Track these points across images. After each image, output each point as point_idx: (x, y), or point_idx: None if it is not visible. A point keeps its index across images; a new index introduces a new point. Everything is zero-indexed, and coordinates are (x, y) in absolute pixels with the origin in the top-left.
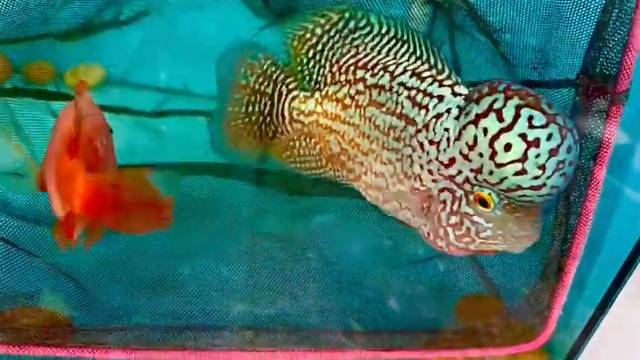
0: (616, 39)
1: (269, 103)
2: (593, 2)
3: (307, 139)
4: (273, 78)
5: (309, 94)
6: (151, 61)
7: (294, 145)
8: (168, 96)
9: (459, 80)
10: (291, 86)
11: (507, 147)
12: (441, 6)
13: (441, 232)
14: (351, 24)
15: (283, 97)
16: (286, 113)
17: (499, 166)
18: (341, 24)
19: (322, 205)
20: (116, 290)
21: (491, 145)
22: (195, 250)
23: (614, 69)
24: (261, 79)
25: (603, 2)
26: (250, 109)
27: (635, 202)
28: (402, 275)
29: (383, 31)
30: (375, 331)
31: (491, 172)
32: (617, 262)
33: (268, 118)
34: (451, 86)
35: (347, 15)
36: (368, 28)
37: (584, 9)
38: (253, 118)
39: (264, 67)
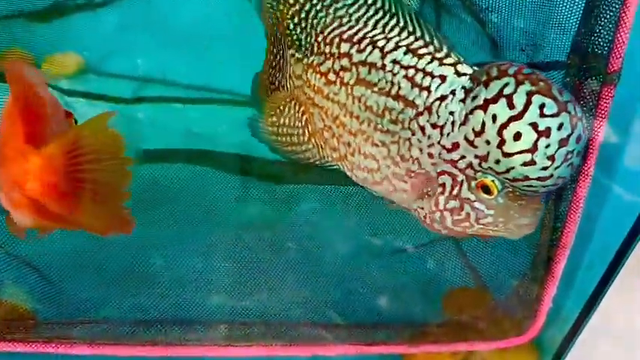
0: (608, 16)
1: (282, 52)
2: None
3: (296, 106)
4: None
5: (300, 56)
6: (128, 46)
7: (284, 107)
8: (145, 83)
9: (462, 59)
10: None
11: (517, 136)
12: None
13: (438, 215)
14: None
15: (287, 51)
16: (287, 68)
17: (507, 155)
18: None
19: (303, 194)
20: (82, 282)
21: (499, 133)
22: (167, 240)
23: (606, 48)
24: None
25: None
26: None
27: (627, 190)
28: (386, 266)
29: (369, 1)
30: (357, 324)
31: (497, 161)
32: (609, 253)
33: (281, 61)
34: (453, 65)
35: None
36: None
37: None
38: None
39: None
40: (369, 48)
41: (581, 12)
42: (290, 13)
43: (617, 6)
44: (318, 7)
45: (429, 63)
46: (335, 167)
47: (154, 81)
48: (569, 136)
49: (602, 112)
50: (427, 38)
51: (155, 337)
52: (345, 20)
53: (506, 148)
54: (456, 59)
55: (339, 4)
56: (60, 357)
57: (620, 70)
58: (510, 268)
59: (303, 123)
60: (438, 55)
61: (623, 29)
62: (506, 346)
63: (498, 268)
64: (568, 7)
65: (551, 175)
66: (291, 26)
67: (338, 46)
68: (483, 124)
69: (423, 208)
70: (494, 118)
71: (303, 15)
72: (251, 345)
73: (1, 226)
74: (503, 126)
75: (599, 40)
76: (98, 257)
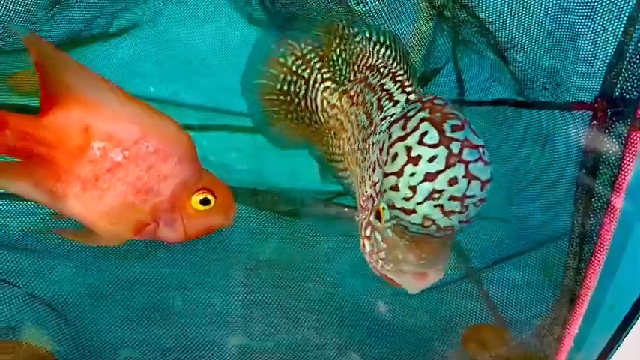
0: (637, 61)
1: (304, 87)
2: (612, 23)
3: (333, 134)
4: (311, 63)
5: (337, 86)
6: (140, 75)
7: (327, 137)
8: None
9: (417, 89)
10: (325, 75)
11: (394, 157)
12: (449, 21)
13: (361, 243)
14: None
15: (317, 84)
16: (318, 101)
17: (385, 175)
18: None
19: (321, 229)
20: (103, 323)
21: (387, 152)
22: (185, 278)
23: (635, 92)
24: (299, 62)
25: (623, 24)
26: (285, 87)
27: None
28: (407, 305)
29: (381, 40)
30: None
31: (380, 182)
32: (632, 292)
33: (303, 102)
34: (409, 93)
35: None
36: (368, 35)
37: (602, 30)
38: (288, 97)
39: (304, 51)
40: (375, 72)
41: (610, 54)
42: (335, 42)
43: None
44: (350, 41)
45: (397, 89)
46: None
47: (165, 108)
48: (438, 172)
49: (630, 155)
50: (405, 68)
51: None
52: (364, 51)
53: (386, 168)
54: (413, 89)
55: (360, 38)
56: None
57: None
58: (532, 307)
59: (342, 150)
60: (406, 83)
61: None
62: None
63: (519, 307)
64: (597, 48)
65: (415, 211)
66: (334, 58)
67: (362, 72)
68: (383, 143)
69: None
70: (390, 137)
71: (343, 47)
72: None
73: (21, 267)
74: (390, 145)
75: (629, 84)
76: (117, 297)
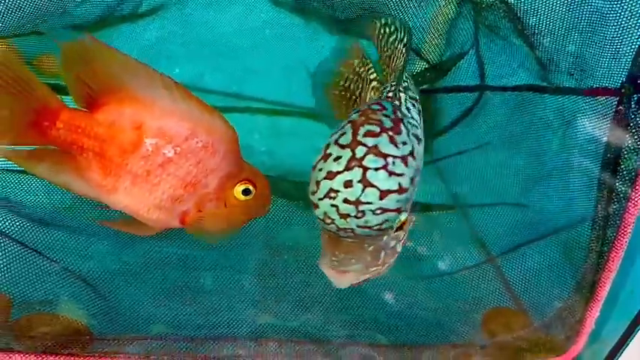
0: None
1: (360, 85)
2: None
3: None
4: (367, 65)
5: (379, 85)
6: (166, 56)
7: None
8: None
9: (388, 93)
10: (372, 76)
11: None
12: (477, 6)
13: None
14: (390, 29)
15: (367, 83)
16: (368, 98)
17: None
18: (387, 29)
19: None
20: (136, 299)
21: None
22: (215, 261)
23: None
24: (361, 64)
25: None
26: (347, 84)
27: None
28: (429, 288)
29: (405, 38)
30: (403, 344)
31: None
32: None
33: (358, 99)
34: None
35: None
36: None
37: (629, 15)
38: (348, 93)
39: (365, 55)
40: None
41: (638, 39)
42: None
43: None
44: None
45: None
46: None
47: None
48: (337, 172)
49: None
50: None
51: (208, 352)
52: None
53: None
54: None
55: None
56: None
57: None
58: (552, 291)
59: None
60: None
61: None
62: None
63: (540, 290)
64: (624, 33)
65: (317, 206)
66: (381, 55)
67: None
68: None
69: None
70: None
71: (388, 53)
72: None
73: (58, 243)
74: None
75: None
76: (149, 275)
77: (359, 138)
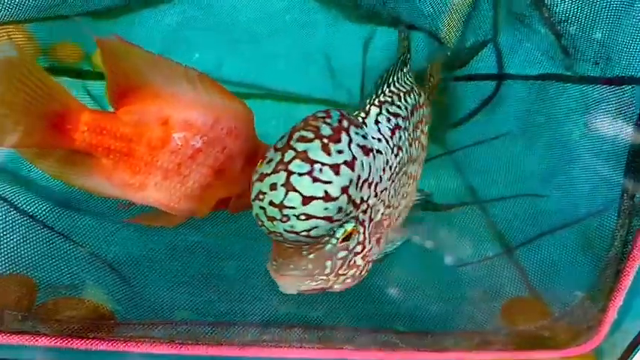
0: None
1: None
2: None
3: None
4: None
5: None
6: (186, 42)
7: None
8: None
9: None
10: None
11: None
12: None
13: None
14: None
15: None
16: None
17: None
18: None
19: None
20: (160, 286)
21: None
22: (240, 250)
23: None
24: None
25: None
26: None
27: None
28: (448, 279)
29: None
30: (426, 332)
31: None
32: None
33: None
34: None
35: None
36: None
37: None
38: None
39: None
40: None
41: None
42: None
43: None
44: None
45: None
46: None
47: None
48: (264, 175)
49: None
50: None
51: (233, 337)
52: None
53: None
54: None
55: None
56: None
57: None
58: (574, 279)
59: None
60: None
61: None
62: (569, 355)
63: (561, 278)
64: None
65: (253, 206)
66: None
67: None
68: None
69: None
70: None
71: None
72: (324, 347)
73: (86, 228)
74: None
75: None
76: (175, 262)
77: (291, 142)
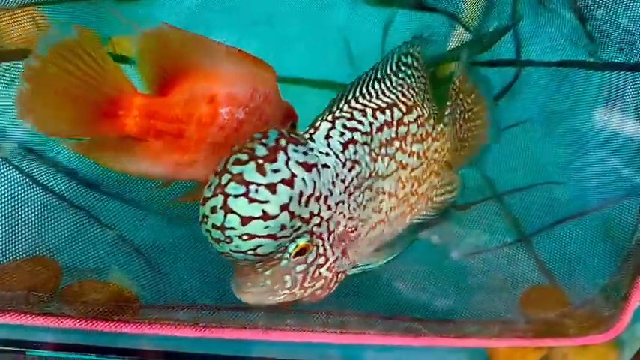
0: None
1: None
2: None
3: None
4: None
5: None
6: (205, 24)
7: None
8: None
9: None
10: None
11: None
12: None
13: None
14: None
15: None
16: None
17: None
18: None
19: None
20: (185, 273)
21: None
22: None
23: None
24: None
25: None
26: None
27: None
28: (466, 267)
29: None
30: (448, 319)
31: None
32: None
33: None
34: None
35: None
36: None
37: None
38: None
39: None
40: None
41: None
42: None
43: None
44: None
45: None
46: None
47: None
48: (206, 198)
49: None
50: None
51: (256, 320)
52: None
53: None
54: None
55: None
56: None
57: None
58: (593, 267)
59: None
60: None
61: None
62: (590, 343)
63: (579, 266)
64: None
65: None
66: None
67: None
68: None
69: None
70: None
71: None
72: (346, 332)
73: (115, 211)
74: None
75: None
76: (200, 251)
77: (227, 166)
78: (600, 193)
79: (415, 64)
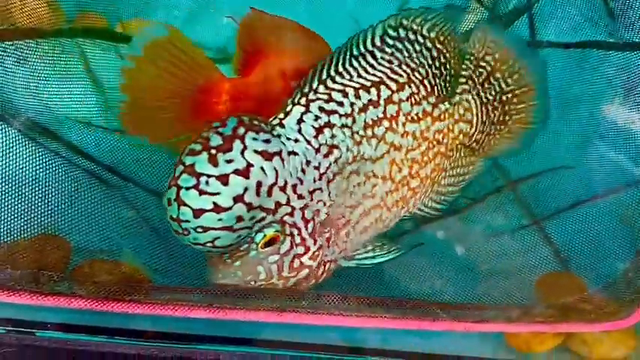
0: None
1: None
2: None
3: None
4: None
5: None
6: (215, 6)
7: None
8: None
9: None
10: None
11: None
12: None
13: None
14: None
15: None
16: None
17: None
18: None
19: None
20: (200, 258)
21: None
22: None
23: None
24: None
25: None
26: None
27: None
28: (483, 251)
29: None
30: (466, 304)
31: None
32: None
33: None
34: None
35: None
36: None
37: None
38: None
39: None
40: None
41: None
42: None
43: None
44: None
45: None
46: None
47: None
48: (164, 191)
49: None
50: None
51: (270, 303)
52: None
53: None
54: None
55: None
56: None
57: None
58: (612, 252)
59: None
60: None
61: None
62: (610, 329)
63: (597, 252)
64: None
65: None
66: None
67: None
68: None
69: None
70: None
71: None
72: (362, 315)
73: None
74: None
75: None
76: None
77: (182, 157)
78: (619, 176)
79: (413, 37)
